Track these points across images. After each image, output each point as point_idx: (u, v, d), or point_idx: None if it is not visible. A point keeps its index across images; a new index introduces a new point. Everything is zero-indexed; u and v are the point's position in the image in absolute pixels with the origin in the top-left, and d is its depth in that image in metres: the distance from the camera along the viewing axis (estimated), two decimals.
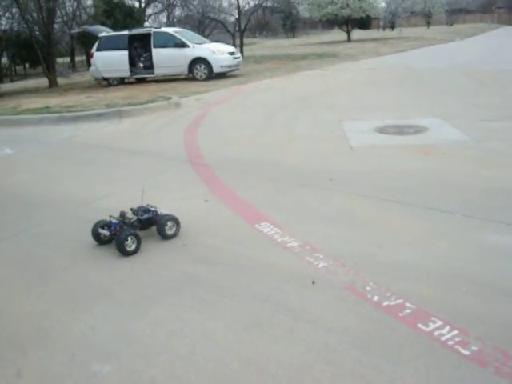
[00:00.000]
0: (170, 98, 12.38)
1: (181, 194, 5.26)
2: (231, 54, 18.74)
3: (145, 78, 19.37)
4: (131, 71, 18.75)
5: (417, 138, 7.09)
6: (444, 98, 10.73)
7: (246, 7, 35.66)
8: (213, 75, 17.78)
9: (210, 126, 9.24)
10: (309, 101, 11.40)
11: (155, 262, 3.79)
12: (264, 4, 40.51)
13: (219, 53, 18.21)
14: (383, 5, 57.37)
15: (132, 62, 18.71)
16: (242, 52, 28.83)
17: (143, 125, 9.79)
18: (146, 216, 4.17)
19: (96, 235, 4.12)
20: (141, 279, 3.53)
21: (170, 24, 41.84)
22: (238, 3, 31.19)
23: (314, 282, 3.27)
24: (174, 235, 4.17)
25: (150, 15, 43.73)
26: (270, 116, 9.68)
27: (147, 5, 41.80)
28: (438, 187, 5.01)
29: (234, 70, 18.88)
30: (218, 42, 24.25)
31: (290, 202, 4.87)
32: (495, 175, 5.34)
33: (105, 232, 4.06)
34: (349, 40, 42.12)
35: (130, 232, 3.93)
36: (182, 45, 18.07)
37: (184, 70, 18.22)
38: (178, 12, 47.29)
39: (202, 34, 36.82)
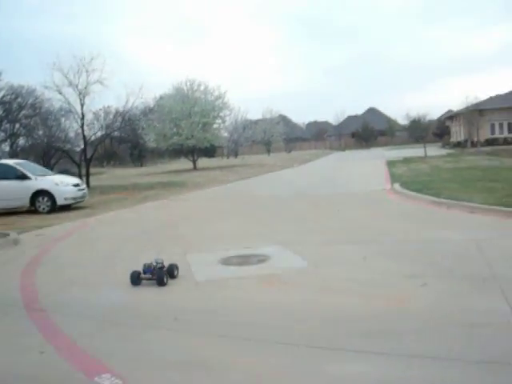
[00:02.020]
0: (8, 234, 11.64)
1: (12, 347, 4.80)
2: (76, 185, 18.45)
3: None
4: None
5: (260, 267, 7.28)
6: (285, 225, 11.29)
7: (93, 137, 35.64)
8: (56, 208, 17.26)
9: (50, 264, 8.74)
10: (155, 233, 11.36)
11: None
12: (111, 134, 40.82)
13: (63, 184, 17.85)
14: (226, 135, 60.71)
15: None
16: (88, 182, 28.45)
17: None
18: (160, 264, 6.73)
19: (136, 279, 6.66)
20: None
21: (13, 153, 40.50)
22: (84, 134, 31.04)
23: None
24: (177, 276, 6.86)
25: None
26: (114, 252, 9.40)
27: None
28: (281, 319, 5.10)
29: (80, 201, 18.51)
30: (64, 171, 23.86)
31: (133, 348, 4.64)
32: (335, 301, 5.58)
33: (147, 276, 6.68)
34: (195, 168, 43.50)
35: (164, 272, 6.68)
36: (24, 177, 17.50)
37: (25, 202, 17.50)
38: (22, 141, 46.14)
39: (47, 163, 35.99)
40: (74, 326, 5.31)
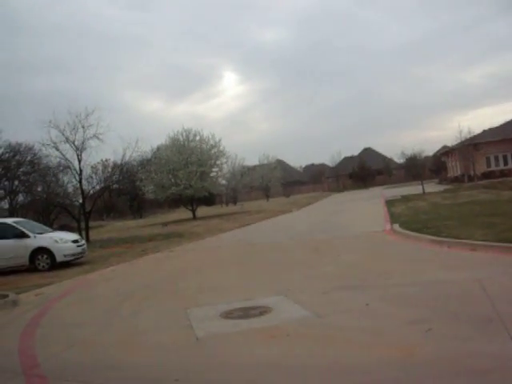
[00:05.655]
0: (7, 295, 11.50)
1: None
2: (75, 242, 18.40)
3: None
4: None
5: (262, 320, 7.15)
6: (286, 273, 11.16)
7: (92, 191, 35.76)
8: (56, 265, 17.19)
9: (49, 325, 8.62)
10: (155, 287, 11.24)
11: None
12: (110, 187, 40.92)
13: (62, 242, 17.81)
14: (224, 182, 60.78)
15: None
16: (87, 236, 28.43)
17: None
18: None
19: None
20: None
21: (12, 210, 40.51)
22: (82, 189, 31.19)
23: None
24: None
25: None
26: (114, 309, 9.27)
27: None
28: (285, 375, 4.98)
29: (79, 257, 18.42)
30: (64, 226, 23.76)
31: None
32: (338, 353, 5.46)
33: None
34: (194, 218, 43.42)
35: None
36: (22, 235, 17.50)
37: (25, 261, 17.43)
38: (21, 198, 46.21)
39: (47, 219, 35.98)
40: None
